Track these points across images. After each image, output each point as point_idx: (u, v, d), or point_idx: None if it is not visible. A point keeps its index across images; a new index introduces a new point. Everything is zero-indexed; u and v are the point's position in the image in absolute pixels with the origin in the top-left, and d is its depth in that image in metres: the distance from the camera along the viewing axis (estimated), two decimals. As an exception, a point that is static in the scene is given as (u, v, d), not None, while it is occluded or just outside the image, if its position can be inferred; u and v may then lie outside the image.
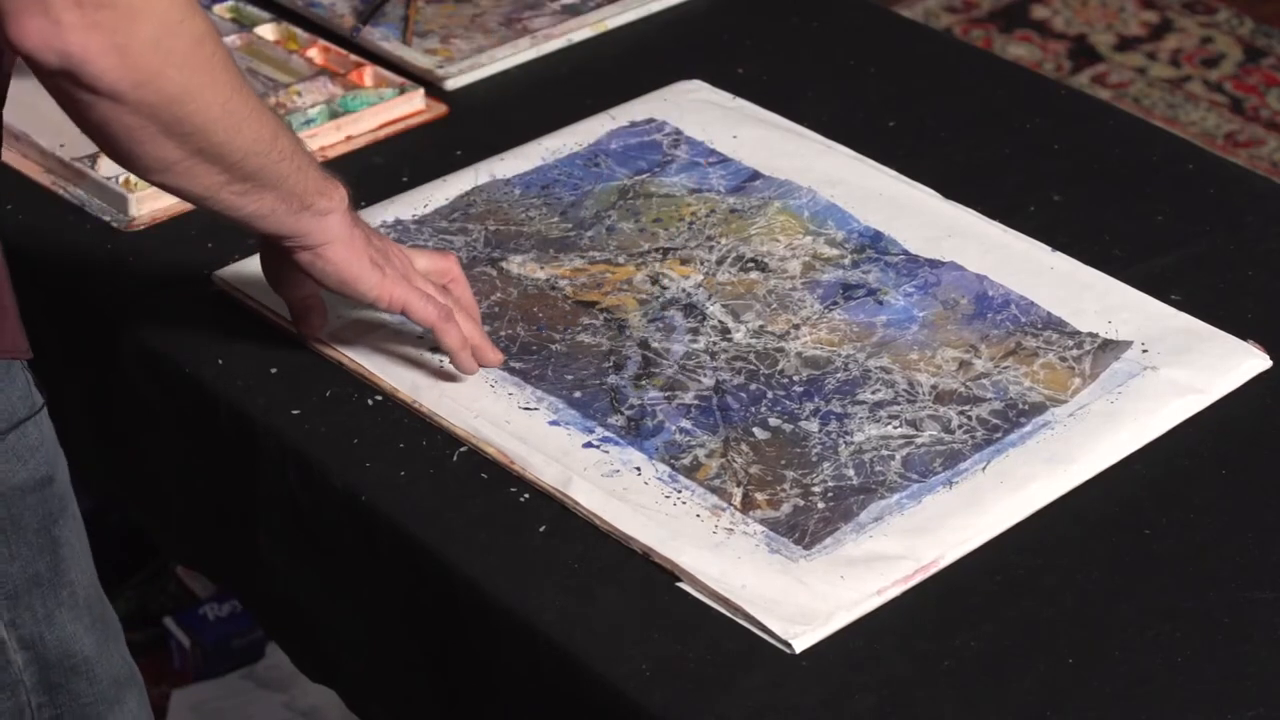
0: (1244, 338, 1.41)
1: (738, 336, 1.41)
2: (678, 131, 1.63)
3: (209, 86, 1.16)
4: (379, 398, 1.36)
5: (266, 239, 1.32)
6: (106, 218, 1.53)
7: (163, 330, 1.43)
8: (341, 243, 1.30)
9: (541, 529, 1.26)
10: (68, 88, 1.12)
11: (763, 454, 1.31)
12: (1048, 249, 1.50)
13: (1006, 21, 3.49)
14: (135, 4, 1.10)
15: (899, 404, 1.35)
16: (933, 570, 1.23)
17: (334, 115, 1.63)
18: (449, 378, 1.36)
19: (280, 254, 1.32)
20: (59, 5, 1.08)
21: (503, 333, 1.41)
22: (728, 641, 1.18)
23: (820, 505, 1.27)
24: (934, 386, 1.36)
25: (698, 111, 1.66)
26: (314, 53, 1.73)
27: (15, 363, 1.23)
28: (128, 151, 1.17)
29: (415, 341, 1.40)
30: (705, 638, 1.19)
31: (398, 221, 1.52)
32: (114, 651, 1.32)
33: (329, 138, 1.62)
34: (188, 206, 1.47)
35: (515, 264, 1.48)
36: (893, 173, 1.59)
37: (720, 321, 1.43)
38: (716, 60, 1.73)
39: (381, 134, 1.64)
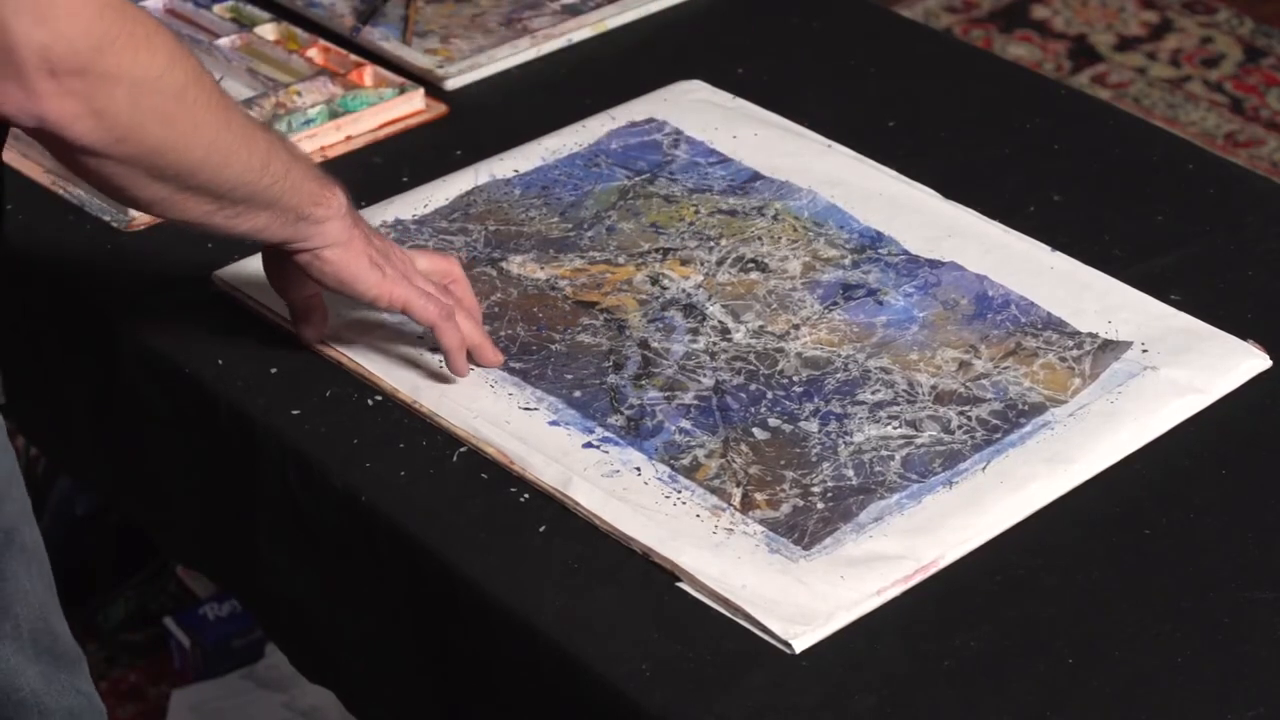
0: (1244, 338, 1.41)
1: (737, 337, 1.41)
2: (678, 132, 1.63)
3: (191, 133, 1.17)
4: (379, 398, 1.36)
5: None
6: (106, 218, 1.52)
7: (163, 330, 1.43)
8: (340, 245, 1.30)
9: (541, 529, 1.26)
10: (49, 140, 1.13)
11: (762, 454, 1.31)
12: (1048, 249, 1.50)
13: (1006, 21, 3.49)
14: (110, 69, 1.10)
15: (899, 404, 1.35)
16: (933, 570, 1.23)
17: (334, 115, 1.63)
18: (449, 378, 1.36)
19: (281, 255, 1.32)
20: (33, 75, 1.08)
21: (503, 333, 1.41)
22: (728, 641, 1.18)
23: (820, 505, 1.27)
24: (934, 387, 1.36)
25: (698, 112, 1.66)
26: (314, 53, 1.72)
27: None
28: (116, 192, 1.19)
29: (415, 341, 1.40)
30: (705, 638, 1.18)
31: (398, 221, 1.52)
32: (67, 685, 1.30)
33: (329, 138, 1.62)
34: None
35: (515, 264, 1.48)
36: (893, 173, 1.58)
37: (720, 322, 1.42)
38: (716, 60, 1.73)
39: (381, 134, 1.64)
